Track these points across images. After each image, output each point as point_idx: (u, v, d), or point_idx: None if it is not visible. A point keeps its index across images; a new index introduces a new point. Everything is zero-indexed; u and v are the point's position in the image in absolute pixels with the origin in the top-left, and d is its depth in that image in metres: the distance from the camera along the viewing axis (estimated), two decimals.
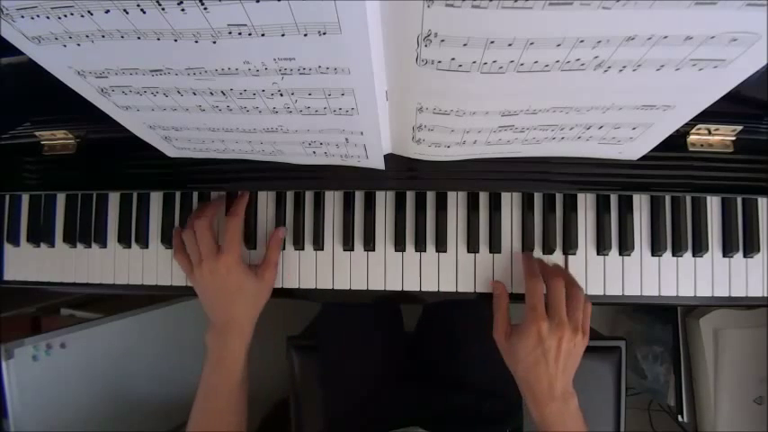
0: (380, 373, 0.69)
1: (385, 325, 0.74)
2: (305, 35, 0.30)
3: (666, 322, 1.02)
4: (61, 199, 0.62)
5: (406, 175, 0.51)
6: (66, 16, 0.30)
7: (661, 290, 0.55)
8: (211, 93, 0.38)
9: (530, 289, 0.50)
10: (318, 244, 0.58)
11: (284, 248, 0.58)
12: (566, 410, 0.48)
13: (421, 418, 0.61)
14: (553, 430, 0.48)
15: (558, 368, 0.48)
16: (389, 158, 0.49)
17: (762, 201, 0.55)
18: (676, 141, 0.49)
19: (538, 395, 0.49)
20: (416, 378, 0.70)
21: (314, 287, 0.58)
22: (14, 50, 0.34)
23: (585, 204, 0.56)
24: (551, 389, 0.48)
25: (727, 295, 0.55)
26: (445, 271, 0.57)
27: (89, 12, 0.29)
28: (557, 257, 0.56)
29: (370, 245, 0.57)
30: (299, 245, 0.58)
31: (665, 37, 0.29)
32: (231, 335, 0.52)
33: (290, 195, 0.59)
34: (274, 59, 0.33)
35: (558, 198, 0.56)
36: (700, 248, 0.55)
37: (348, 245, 0.57)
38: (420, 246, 0.56)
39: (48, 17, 0.30)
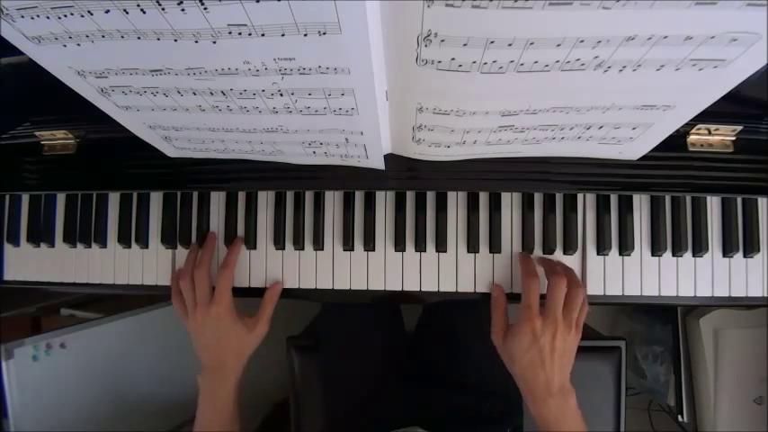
0: (380, 373, 0.69)
1: (385, 325, 0.74)
2: (305, 35, 0.30)
3: (666, 322, 1.02)
4: (61, 199, 0.62)
5: (406, 175, 0.51)
6: (66, 16, 0.30)
7: (661, 290, 0.55)
8: (211, 93, 0.38)
9: (525, 287, 0.51)
10: (318, 244, 0.58)
11: (284, 248, 0.58)
12: (564, 407, 0.49)
13: (421, 418, 0.61)
14: (552, 428, 0.48)
15: (554, 365, 0.48)
16: (389, 158, 0.49)
17: (762, 201, 0.55)
18: (676, 141, 0.49)
19: (536, 393, 0.49)
20: (416, 378, 0.70)
21: (314, 287, 0.58)
22: (14, 50, 0.34)
23: (585, 204, 0.56)
24: (549, 386, 0.48)
25: (727, 295, 0.55)
26: (445, 271, 0.57)
27: (89, 12, 0.29)
28: (557, 257, 0.56)
29: (370, 245, 0.57)
30: (298, 245, 0.58)
31: (665, 37, 0.29)
32: (219, 378, 0.55)
33: (290, 195, 0.59)
34: (274, 59, 0.33)
35: (558, 198, 0.56)
36: (700, 248, 0.55)
37: (348, 245, 0.57)
38: (420, 246, 0.56)
39: (48, 17, 0.30)
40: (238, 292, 0.58)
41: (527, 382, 0.50)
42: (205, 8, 0.28)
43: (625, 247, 0.55)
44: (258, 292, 0.58)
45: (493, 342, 0.53)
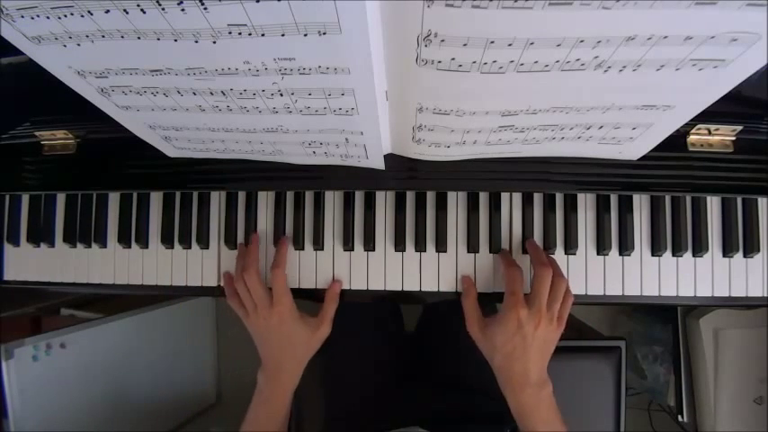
0: (380, 372, 0.69)
1: (385, 325, 0.74)
2: (305, 35, 0.30)
3: (666, 322, 1.02)
4: (61, 199, 0.62)
5: (406, 175, 0.51)
6: (66, 16, 0.30)
7: (661, 290, 0.55)
8: (211, 93, 0.38)
9: (509, 276, 0.51)
10: (318, 244, 0.58)
11: None
12: (540, 396, 0.49)
13: (421, 418, 0.61)
14: (527, 416, 0.49)
15: (535, 355, 0.49)
16: (389, 158, 0.49)
17: (762, 201, 0.55)
18: (676, 141, 0.49)
19: (514, 382, 0.49)
20: (416, 378, 0.70)
21: (314, 287, 0.58)
22: (14, 50, 0.34)
23: (585, 204, 0.56)
24: (527, 375, 0.49)
25: (727, 295, 0.55)
26: (445, 271, 0.57)
27: (89, 12, 0.29)
28: (557, 257, 0.56)
29: (370, 245, 0.57)
30: (298, 245, 0.58)
31: (665, 37, 0.29)
32: (279, 380, 0.55)
33: (290, 195, 0.59)
34: (274, 59, 0.33)
35: (558, 198, 0.56)
36: (700, 248, 0.55)
37: (348, 245, 0.57)
38: (420, 246, 0.56)
39: (48, 17, 0.30)
40: None
41: (506, 370, 0.50)
42: (205, 8, 0.28)
43: (625, 247, 0.55)
44: None
45: (469, 333, 0.53)
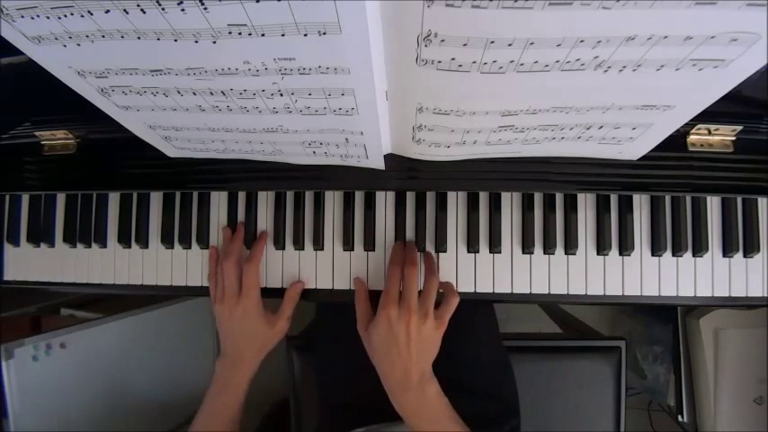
0: (373, 371, 0.69)
1: None
2: (305, 35, 0.30)
3: (666, 322, 1.02)
4: (61, 199, 0.62)
5: (406, 175, 0.51)
6: (66, 16, 0.30)
7: (661, 290, 0.55)
8: (211, 93, 0.38)
9: (387, 275, 0.52)
10: (318, 244, 0.58)
11: (284, 248, 0.58)
12: (423, 397, 0.49)
13: None
14: (412, 420, 0.49)
15: (411, 354, 0.49)
16: (389, 158, 0.49)
17: (762, 201, 0.55)
18: (676, 141, 0.49)
19: (393, 385, 0.50)
20: None
21: (314, 287, 0.58)
22: (14, 50, 0.34)
23: (585, 204, 0.56)
24: (407, 376, 0.49)
25: (727, 295, 0.55)
26: (445, 271, 0.57)
27: (89, 12, 0.29)
28: (557, 257, 0.56)
29: (370, 245, 0.57)
30: (298, 245, 0.58)
31: (665, 37, 0.29)
32: (238, 369, 0.56)
33: (290, 195, 0.59)
34: (274, 59, 0.33)
35: (558, 198, 0.56)
36: (700, 248, 0.55)
37: (348, 245, 0.57)
38: (420, 246, 0.56)
39: (48, 17, 0.30)
40: None
41: (385, 372, 0.50)
42: (205, 8, 0.28)
43: (625, 247, 0.55)
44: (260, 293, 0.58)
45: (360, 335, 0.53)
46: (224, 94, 0.38)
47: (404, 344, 0.48)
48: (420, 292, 0.51)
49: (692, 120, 0.39)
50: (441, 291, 0.53)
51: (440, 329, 0.50)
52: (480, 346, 0.67)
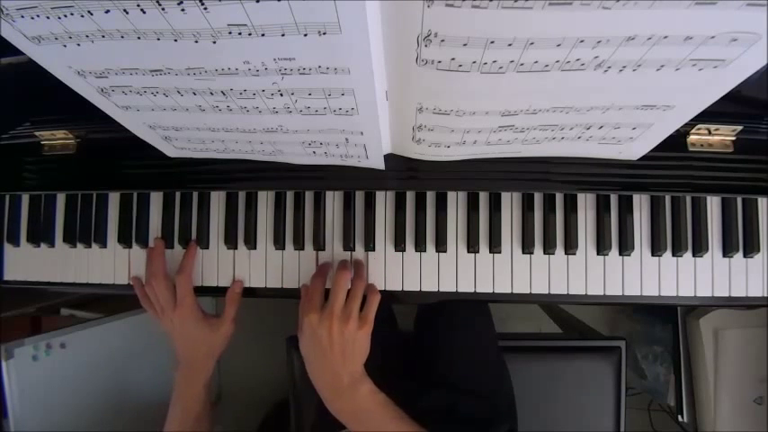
0: (377, 373, 0.69)
1: (378, 325, 0.74)
2: (305, 35, 0.30)
3: (666, 322, 1.02)
4: (61, 199, 0.62)
5: (406, 175, 0.51)
6: (66, 16, 0.30)
7: (661, 290, 0.55)
8: (211, 93, 0.38)
9: (310, 283, 0.53)
10: (319, 244, 0.58)
11: (284, 249, 0.58)
12: (356, 399, 0.49)
13: (416, 418, 0.61)
14: (351, 424, 0.49)
15: (337, 358, 0.49)
16: (389, 158, 0.49)
17: (762, 201, 0.55)
18: (676, 141, 0.49)
19: (326, 391, 0.50)
20: (412, 378, 0.70)
21: None
22: (14, 50, 0.34)
23: (585, 204, 0.56)
24: (337, 379, 0.49)
25: (727, 295, 0.55)
26: (445, 271, 0.57)
27: (89, 12, 0.29)
28: (557, 257, 0.56)
29: (370, 245, 0.57)
30: (299, 245, 0.58)
31: (665, 37, 0.29)
32: (191, 375, 0.58)
33: (290, 195, 0.59)
34: (274, 59, 0.33)
35: (558, 198, 0.56)
36: (700, 248, 0.55)
37: (348, 245, 0.57)
38: (420, 246, 0.56)
39: (48, 17, 0.30)
40: (243, 294, 0.59)
41: (317, 380, 0.51)
42: (205, 8, 0.28)
43: (625, 247, 0.55)
44: (260, 293, 0.58)
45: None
46: (224, 94, 0.38)
47: (328, 347, 0.49)
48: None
49: (692, 120, 0.39)
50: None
51: (364, 329, 0.50)
52: (477, 347, 0.67)
